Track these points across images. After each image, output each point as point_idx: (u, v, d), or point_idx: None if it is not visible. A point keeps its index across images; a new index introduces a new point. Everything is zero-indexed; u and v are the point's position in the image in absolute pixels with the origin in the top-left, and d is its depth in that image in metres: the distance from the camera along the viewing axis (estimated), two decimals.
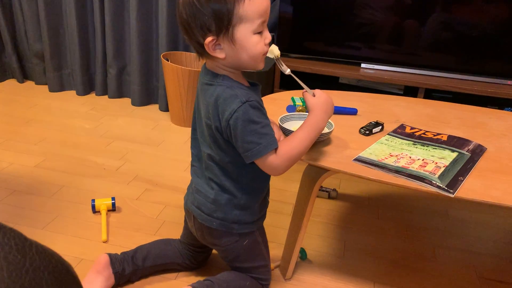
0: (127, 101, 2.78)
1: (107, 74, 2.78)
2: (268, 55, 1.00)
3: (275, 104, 1.48)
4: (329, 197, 1.85)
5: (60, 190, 1.77)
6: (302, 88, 1.11)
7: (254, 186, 1.07)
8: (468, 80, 2.14)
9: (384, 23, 2.18)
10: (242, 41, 0.92)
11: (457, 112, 1.56)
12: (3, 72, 2.99)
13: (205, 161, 1.08)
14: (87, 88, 2.85)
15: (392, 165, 1.11)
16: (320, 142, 1.22)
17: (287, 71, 1.05)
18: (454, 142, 1.27)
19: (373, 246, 1.57)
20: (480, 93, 2.05)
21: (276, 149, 0.95)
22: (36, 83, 2.96)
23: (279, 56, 1.01)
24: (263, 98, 1.57)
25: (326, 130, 1.23)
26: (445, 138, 1.31)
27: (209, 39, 0.91)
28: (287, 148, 0.96)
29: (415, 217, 1.76)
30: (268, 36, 0.96)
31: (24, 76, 3.01)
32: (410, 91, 2.21)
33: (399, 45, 2.22)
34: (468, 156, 1.20)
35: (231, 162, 1.01)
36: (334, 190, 1.86)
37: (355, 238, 1.60)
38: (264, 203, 1.14)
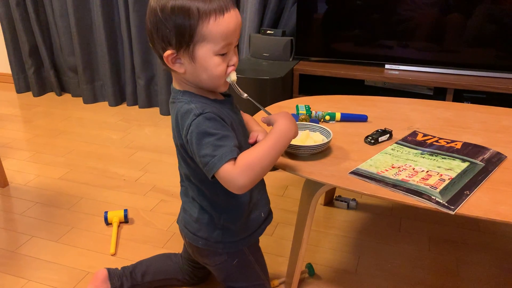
0: (156, 110, 2.82)
1: (136, 85, 2.83)
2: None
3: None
4: (348, 208, 1.76)
5: (79, 202, 1.81)
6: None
7: (232, 204, 1.01)
8: (502, 78, 1.96)
9: (407, 21, 2.06)
10: (202, 61, 0.88)
11: (480, 115, 1.42)
12: (43, 86, 3.14)
13: (185, 182, 1.05)
14: (118, 99, 2.93)
15: (390, 179, 1.03)
16: (319, 153, 1.16)
17: (244, 95, 0.98)
18: (468, 151, 1.16)
19: (390, 261, 1.46)
20: None
21: (234, 160, 0.87)
22: (73, 96, 3.08)
23: (235, 81, 0.95)
24: (271, 106, 1.53)
25: (324, 140, 1.17)
26: (459, 146, 1.19)
27: (168, 52, 0.88)
28: (246, 157, 0.87)
29: (440, 229, 1.63)
30: (233, 59, 0.92)
31: (62, 89, 3.15)
32: (440, 91, 2.06)
33: (424, 43, 2.08)
34: (481, 166, 1.08)
35: (202, 180, 0.97)
36: (354, 200, 1.77)
37: (371, 252, 1.51)
38: (254, 220, 1.07)
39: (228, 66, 0.92)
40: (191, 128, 0.87)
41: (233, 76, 0.93)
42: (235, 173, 0.85)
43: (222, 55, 0.89)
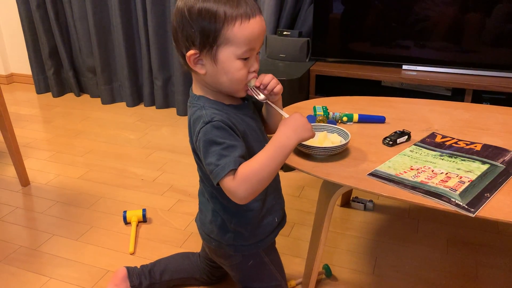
0: (173, 111, 2.85)
1: (153, 85, 2.86)
2: None
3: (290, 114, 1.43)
4: (365, 209, 1.75)
5: (98, 201, 1.84)
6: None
7: (243, 210, 1.01)
8: None
9: (424, 20, 2.04)
10: (224, 63, 0.88)
11: (500, 116, 1.41)
12: (62, 87, 3.20)
13: (201, 183, 1.06)
14: (135, 99, 2.96)
15: (409, 180, 1.02)
16: (336, 154, 1.16)
17: (262, 97, 0.97)
18: (488, 152, 1.15)
19: (408, 263, 1.46)
20: None
21: (235, 171, 0.86)
22: (91, 96, 3.12)
23: (253, 85, 0.95)
24: (288, 107, 1.54)
25: (342, 141, 1.17)
26: (479, 147, 1.18)
27: (191, 52, 0.89)
28: (244, 169, 0.86)
29: (459, 231, 1.61)
30: (254, 65, 0.92)
31: (81, 89, 3.20)
32: (459, 92, 2.04)
33: (442, 43, 2.06)
34: (502, 168, 1.07)
35: (213, 184, 0.98)
36: (371, 201, 1.76)
37: (388, 253, 1.50)
38: (267, 225, 1.07)
39: (249, 72, 0.92)
40: (200, 135, 0.89)
41: (252, 82, 0.94)
42: (233, 185, 0.86)
43: (244, 59, 0.89)
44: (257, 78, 0.95)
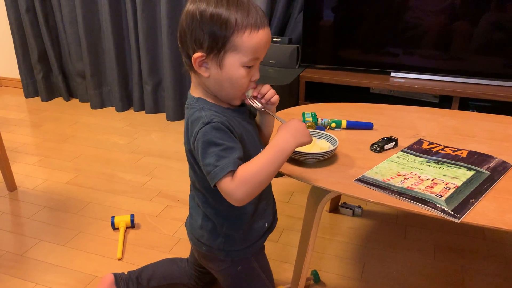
0: (162, 116, 2.84)
1: (143, 90, 2.86)
2: None
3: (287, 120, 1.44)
4: (354, 215, 1.76)
5: (86, 206, 1.83)
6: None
7: (235, 213, 1.02)
8: (509, 86, 1.96)
9: (413, 29, 2.07)
10: (229, 69, 0.90)
11: (486, 123, 1.43)
12: (51, 91, 3.18)
13: (192, 188, 1.06)
14: (125, 104, 2.95)
15: (396, 186, 1.03)
16: (325, 160, 1.17)
17: (259, 106, 0.99)
18: (474, 159, 1.16)
19: (395, 269, 1.47)
20: None
21: (233, 173, 0.88)
22: (80, 101, 3.11)
23: (250, 94, 0.98)
24: (277, 113, 1.54)
25: (330, 147, 1.18)
26: (464, 154, 1.20)
27: (198, 54, 0.90)
28: (242, 171, 0.87)
29: (446, 237, 1.63)
30: (256, 75, 0.94)
31: (70, 94, 3.18)
32: (446, 99, 2.07)
33: (430, 51, 2.09)
34: (487, 175, 1.08)
35: (207, 187, 0.98)
36: (359, 207, 1.77)
37: (376, 259, 1.51)
38: (256, 229, 1.08)
39: (250, 81, 0.94)
40: (198, 136, 0.89)
41: (250, 93, 0.96)
42: (232, 187, 0.87)
43: (248, 67, 0.91)
44: (255, 88, 0.97)
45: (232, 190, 0.87)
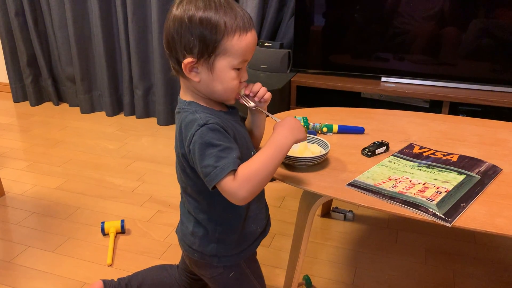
0: (153, 120, 2.83)
1: (134, 95, 2.84)
2: None
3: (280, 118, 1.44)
4: (345, 219, 1.76)
5: (75, 212, 1.81)
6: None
7: (228, 217, 1.02)
8: (498, 91, 1.98)
9: (403, 34, 2.08)
10: (220, 72, 0.90)
11: (476, 128, 1.44)
12: (40, 96, 3.15)
13: (182, 194, 1.05)
14: (116, 109, 2.93)
15: (387, 190, 1.03)
16: (316, 164, 1.17)
17: (252, 105, 1.00)
18: (464, 163, 1.17)
19: (387, 273, 1.47)
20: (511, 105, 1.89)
21: (234, 172, 0.87)
22: (70, 105, 3.08)
23: (243, 93, 0.98)
24: (268, 118, 1.54)
25: (322, 152, 1.17)
26: (455, 158, 1.20)
27: (188, 59, 0.89)
28: (244, 170, 0.87)
29: (437, 241, 1.63)
30: (245, 75, 0.95)
31: (59, 98, 3.15)
32: (436, 104, 2.09)
33: (420, 56, 2.10)
34: (477, 179, 1.09)
35: (200, 192, 0.97)
36: (351, 211, 1.77)
37: (368, 264, 1.51)
38: (249, 234, 1.07)
39: (240, 82, 0.95)
40: (194, 138, 0.88)
41: (242, 91, 0.97)
42: (235, 186, 0.86)
43: (237, 69, 0.92)
44: (246, 87, 0.97)
45: (235, 189, 0.86)
